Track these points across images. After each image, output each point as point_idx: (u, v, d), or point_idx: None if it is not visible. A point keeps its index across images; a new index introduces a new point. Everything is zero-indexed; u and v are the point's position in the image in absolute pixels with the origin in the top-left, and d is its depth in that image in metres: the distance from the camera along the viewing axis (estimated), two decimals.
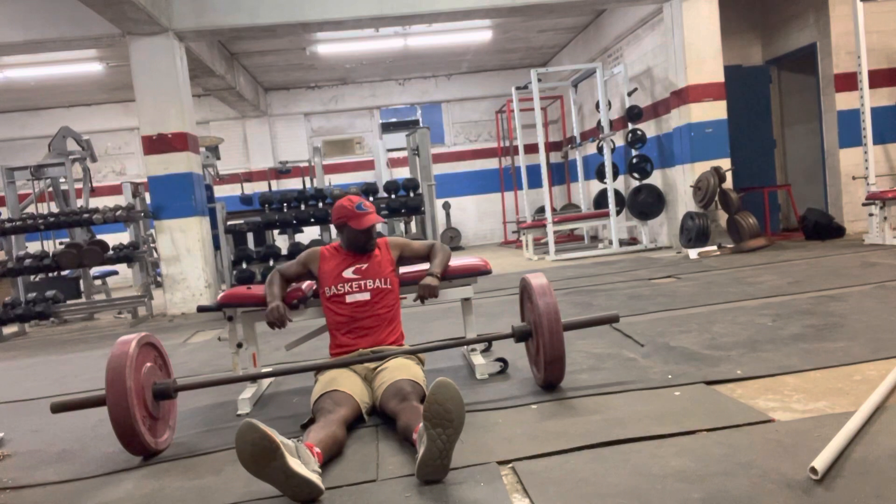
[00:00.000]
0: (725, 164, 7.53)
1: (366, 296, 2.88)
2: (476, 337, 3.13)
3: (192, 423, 2.90)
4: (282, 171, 11.90)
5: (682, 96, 7.72)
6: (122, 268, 9.21)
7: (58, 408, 2.54)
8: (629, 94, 9.02)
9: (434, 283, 2.92)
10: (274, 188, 11.75)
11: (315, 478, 1.93)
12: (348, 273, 2.93)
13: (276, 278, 3.02)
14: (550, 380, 2.78)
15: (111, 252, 6.96)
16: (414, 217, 7.99)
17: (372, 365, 2.76)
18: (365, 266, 2.95)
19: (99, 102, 12.17)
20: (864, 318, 3.56)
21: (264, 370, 3.21)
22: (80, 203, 8.23)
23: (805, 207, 8.07)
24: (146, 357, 2.63)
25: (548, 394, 2.76)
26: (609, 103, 9.25)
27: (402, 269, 3.18)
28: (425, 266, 3.14)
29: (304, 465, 1.95)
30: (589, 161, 10.86)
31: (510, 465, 2.08)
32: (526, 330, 2.87)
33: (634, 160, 8.95)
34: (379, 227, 9.30)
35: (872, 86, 7.15)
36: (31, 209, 8.31)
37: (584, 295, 5.38)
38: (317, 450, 2.10)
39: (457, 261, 3.35)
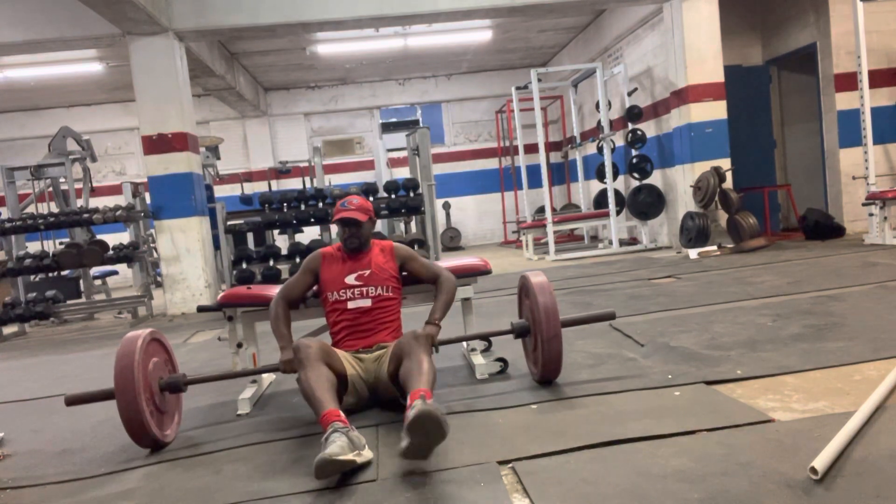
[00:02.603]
0: (725, 164, 7.53)
1: (367, 302, 2.88)
2: (474, 333, 3.13)
3: (193, 423, 2.90)
4: (282, 171, 11.89)
5: (682, 96, 7.72)
6: (122, 268, 9.21)
7: (71, 400, 2.62)
8: (629, 94, 9.02)
9: (434, 333, 2.72)
10: (274, 188, 11.76)
11: (367, 454, 2.14)
12: (350, 279, 2.92)
13: (281, 312, 2.89)
14: (547, 376, 2.84)
15: (111, 252, 6.96)
16: (414, 217, 7.98)
17: (372, 357, 2.77)
18: (367, 273, 2.93)
19: (99, 102, 12.17)
20: (864, 318, 3.56)
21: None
22: (80, 203, 8.23)
23: (805, 207, 8.07)
24: (153, 352, 2.68)
25: (548, 394, 2.76)
26: (609, 103, 9.25)
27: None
28: None
29: (359, 452, 2.10)
30: (589, 161, 10.86)
31: (510, 465, 2.08)
32: (525, 326, 2.90)
33: (634, 160, 8.95)
34: (378, 226, 9.19)
35: (872, 86, 7.15)
36: (31, 209, 8.30)
37: (584, 295, 5.38)
38: (343, 416, 2.22)
39: (457, 261, 3.36)
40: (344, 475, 2.10)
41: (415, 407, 2.05)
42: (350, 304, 2.88)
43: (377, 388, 2.73)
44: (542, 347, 2.74)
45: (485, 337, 3.19)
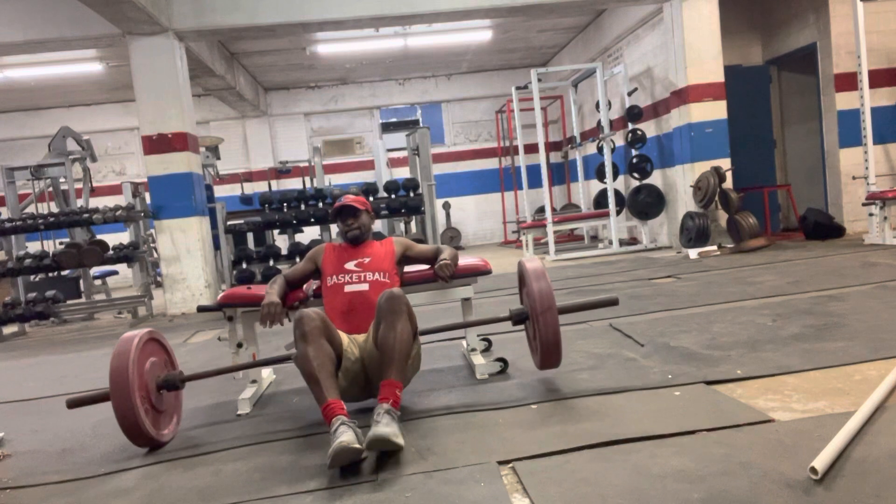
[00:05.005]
0: (725, 164, 7.53)
1: (364, 286, 2.92)
2: (473, 320, 3.11)
3: (193, 423, 2.90)
4: (282, 171, 11.90)
5: (682, 96, 7.72)
6: (122, 268, 9.21)
7: (73, 403, 2.64)
8: (629, 94, 9.02)
9: (448, 262, 3.01)
10: (274, 188, 11.75)
11: (359, 444, 2.15)
12: (350, 265, 3.00)
13: (280, 280, 3.06)
14: (547, 363, 2.81)
15: (111, 252, 6.96)
16: (414, 217, 7.98)
17: (360, 338, 2.78)
18: (367, 260, 3.01)
19: (99, 102, 12.17)
20: (864, 318, 3.56)
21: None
22: (80, 203, 8.23)
23: (805, 207, 8.07)
24: (151, 352, 2.69)
25: (548, 394, 2.76)
26: (609, 103, 9.25)
27: (406, 269, 3.19)
28: (428, 267, 3.19)
29: (362, 443, 2.17)
30: (589, 161, 10.86)
31: (510, 465, 2.08)
32: (523, 312, 2.89)
33: (634, 160, 8.95)
34: (378, 226, 9.23)
35: (872, 86, 7.14)
36: (31, 209, 8.31)
37: (584, 295, 5.38)
38: (345, 409, 2.32)
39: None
40: (345, 473, 2.11)
41: (374, 425, 2.22)
42: (347, 288, 2.92)
43: (370, 373, 2.67)
44: (540, 334, 2.70)
45: (483, 323, 3.17)
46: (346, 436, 2.13)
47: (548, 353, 2.75)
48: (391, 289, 2.64)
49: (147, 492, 2.19)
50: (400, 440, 2.21)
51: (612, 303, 2.86)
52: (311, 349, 2.44)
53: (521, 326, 3.02)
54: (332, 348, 2.53)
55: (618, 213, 8.99)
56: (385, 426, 2.20)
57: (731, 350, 3.15)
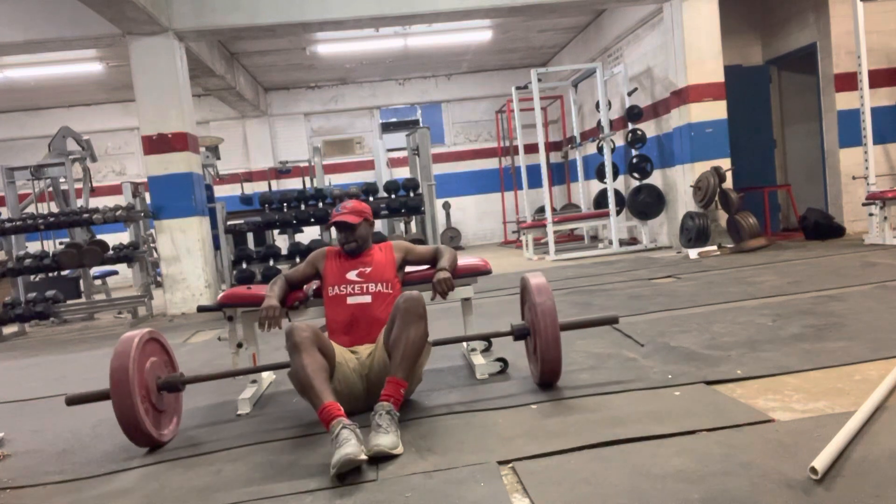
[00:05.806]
0: (725, 164, 7.53)
1: (367, 298, 2.90)
2: (474, 334, 3.14)
3: (193, 423, 2.90)
4: (282, 171, 11.90)
5: (682, 96, 7.72)
6: (122, 268, 9.21)
7: (72, 400, 2.65)
8: (629, 94, 9.02)
9: (447, 275, 2.93)
10: (274, 188, 11.76)
11: (364, 455, 2.13)
12: (352, 275, 2.96)
13: (280, 281, 3.04)
14: (547, 379, 2.80)
15: (111, 252, 6.97)
16: (414, 217, 7.99)
17: (365, 352, 2.76)
18: (369, 270, 2.97)
19: (99, 102, 12.17)
20: (864, 318, 3.56)
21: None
22: (80, 203, 8.23)
23: (805, 207, 8.07)
24: (151, 352, 2.70)
25: (548, 394, 2.76)
26: (609, 103, 9.24)
27: (407, 269, 3.19)
28: (427, 268, 3.18)
29: (363, 449, 2.15)
30: (589, 161, 10.86)
31: (510, 465, 2.08)
32: (524, 328, 2.90)
33: (634, 160, 8.95)
34: (378, 226, 9.21)
35: (872, 86, 7.14)
36: (31, 209, 8.30)
37: (583, 295, 5.38)
38: (343, 411, 2.29)
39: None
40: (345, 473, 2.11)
41: (374, 428, 2.28)
42: (350, 300, 2.91)
43: (370, 385, 2.68)
44: (540, 351, 2.71)
45: (485, 338, 3.20)
46: (350, 447, 2.08)
47: (548, 368, 2.75)
48: (411, 291, 2.65)
49: (147, 492, 2.19)
50: (399, 450, 2.23)
51: (613, 321, 2.95)
52: (305, 357, 2.42)
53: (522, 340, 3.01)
54: (324, 359, 2.52)
55: (618, 213, 8.99)
56: (384, 434, 2.23)
57: (731, 350, 3.15)
